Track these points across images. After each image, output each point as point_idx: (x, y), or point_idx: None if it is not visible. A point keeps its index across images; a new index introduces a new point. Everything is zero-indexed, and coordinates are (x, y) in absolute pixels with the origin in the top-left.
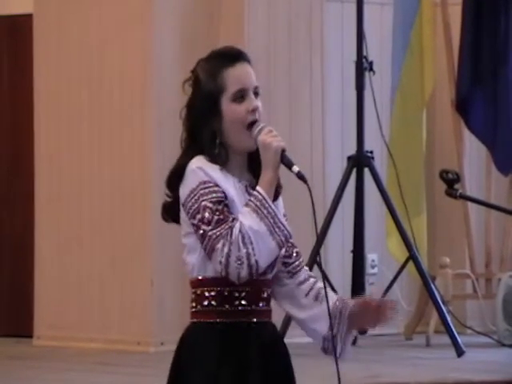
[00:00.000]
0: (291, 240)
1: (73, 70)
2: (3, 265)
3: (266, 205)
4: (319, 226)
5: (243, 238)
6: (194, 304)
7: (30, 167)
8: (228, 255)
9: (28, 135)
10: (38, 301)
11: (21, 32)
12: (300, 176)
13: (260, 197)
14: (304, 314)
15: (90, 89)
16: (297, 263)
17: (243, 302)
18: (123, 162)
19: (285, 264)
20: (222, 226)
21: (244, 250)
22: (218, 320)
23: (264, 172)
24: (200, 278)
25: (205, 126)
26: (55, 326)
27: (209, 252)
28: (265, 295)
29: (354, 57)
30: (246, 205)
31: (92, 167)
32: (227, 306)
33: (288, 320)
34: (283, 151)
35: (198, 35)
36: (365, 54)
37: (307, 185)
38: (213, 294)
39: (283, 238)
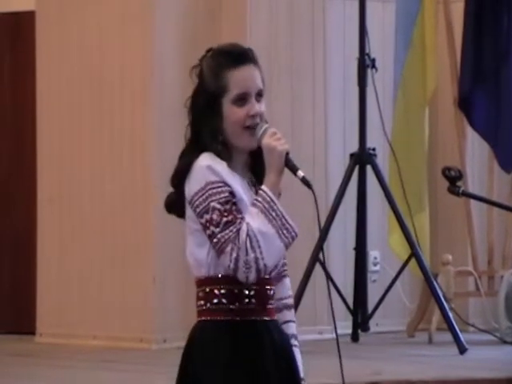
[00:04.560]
0: None
1: (74, 68)
2: (5, 263)
3: (275, 207)
4: (322, 223)
5: (251, 241)
6: (202, 302)
7: (31, 166)
8: (236, 260)
9: (30, 134)
10: (40, 298)
11: (23, 29)
12: (305, 181)
13: (268, 198)
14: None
15: (92, 86)
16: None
17: (253, 301)
18: (125, 159)
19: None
20: (230, 229)
21: (252, 255)
22: (228, 318)
23: (268, 175)
24: (210, 275)
25: (205, 125)
26: (57, 323)
27: (218, 253)
28: (271, 293)
29: (356, 54)
30: (254, 205)
31: (94, 166)
32: (237, 304)
33: None
34: (287, 154)
35: (199, 33)
36: (367, 51)
37: (312, 190)
38: (223, 291)
39: (291, 240)
